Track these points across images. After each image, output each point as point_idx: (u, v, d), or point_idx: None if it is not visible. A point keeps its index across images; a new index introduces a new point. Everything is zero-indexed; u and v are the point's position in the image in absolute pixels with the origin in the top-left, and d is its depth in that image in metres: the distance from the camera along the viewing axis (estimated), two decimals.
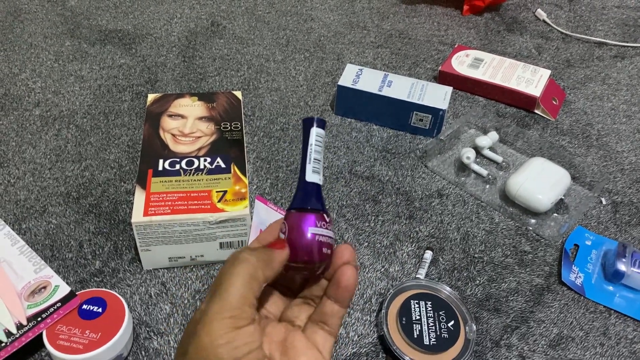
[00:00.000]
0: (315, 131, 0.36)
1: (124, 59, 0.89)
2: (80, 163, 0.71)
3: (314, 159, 0.36)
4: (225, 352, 0.28)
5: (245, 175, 0.60)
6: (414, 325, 0.54)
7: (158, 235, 0.56)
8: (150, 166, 0.61)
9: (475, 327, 0.55)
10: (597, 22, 1.04)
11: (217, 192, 0.58)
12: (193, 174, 0.60)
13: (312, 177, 0.36)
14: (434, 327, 0.54)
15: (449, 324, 0.55)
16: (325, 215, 0.35)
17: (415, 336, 0.53)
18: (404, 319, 0.55)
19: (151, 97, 0.70)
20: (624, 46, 0.98)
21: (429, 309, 0.56)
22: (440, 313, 0.55)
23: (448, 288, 0.58)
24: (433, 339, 0.53)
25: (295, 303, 0.37)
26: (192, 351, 0.29)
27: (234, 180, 0.60)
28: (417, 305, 0.56)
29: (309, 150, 0.36)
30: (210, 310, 0.30)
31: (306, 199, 0.36)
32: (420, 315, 0.55)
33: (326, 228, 0.35)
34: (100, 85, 0.83)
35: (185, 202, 0.57)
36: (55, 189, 0.68)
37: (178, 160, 0.61)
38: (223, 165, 0.61)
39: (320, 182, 0.36)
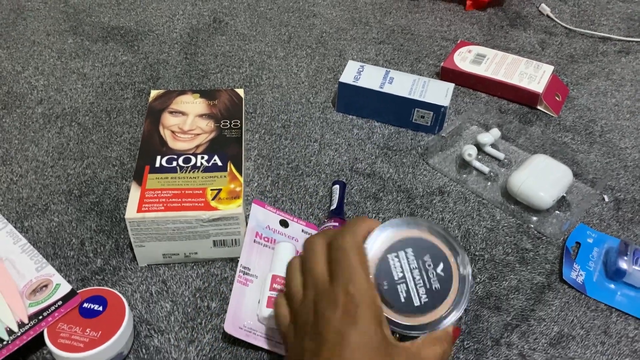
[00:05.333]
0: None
1: (126, 56, 0.89)
2: (82, 161, 0.72)
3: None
4: None
5: (241, 174, 0.60)
6: (398, 286, 0.44)
7: (151, 232, 0.57)
8: (147, 162, 0.61)
9: (467, 258, 0.46)
10: (601, 17, 1.03)
11: (211, 190, 0.58)
12: (189, 171, 0.60)
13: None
14: (421, 281, 0.44)
15: (438, 270, 0.45)
16: None
17: (403, 300, 0.44)
18: (385, 283, 0.44)
19: (154, 93, 0.70)
20: (629, 41, 0.97)
21: (411, 259, 0.45)
22: (424, 259, 0.45)
23: (426, 222, 0.47)
24: (424, 296, 0.44)
25: None
26: None
27: (229, 178, 0.60)
28: (396, 260, 0.45)
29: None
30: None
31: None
32: (402, 271, 0.44)
33: None
34: (103, 82, 0.84)
35: (179, 200, 0.57)
36: (57, 186, 0.68)
37: (175, 157, 0.62)
38: (220, 164, 0.61)
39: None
